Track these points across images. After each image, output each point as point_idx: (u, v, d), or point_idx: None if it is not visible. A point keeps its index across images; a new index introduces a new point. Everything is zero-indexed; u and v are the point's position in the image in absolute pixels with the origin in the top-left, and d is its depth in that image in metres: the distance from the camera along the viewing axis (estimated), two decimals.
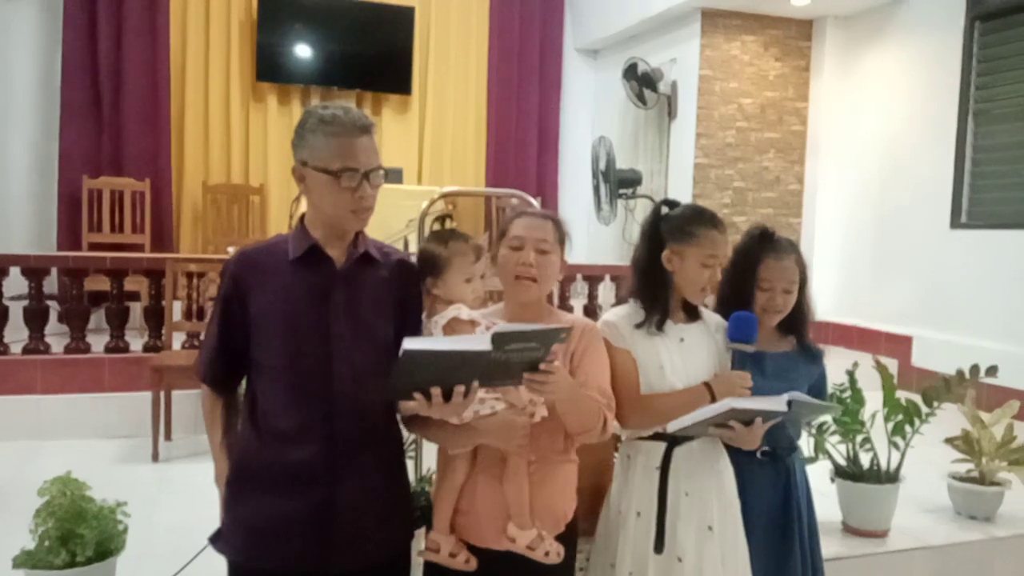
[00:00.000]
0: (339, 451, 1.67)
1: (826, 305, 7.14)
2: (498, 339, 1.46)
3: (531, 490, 1.77)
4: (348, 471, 1.68)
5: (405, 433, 1.87)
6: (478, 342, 1.48)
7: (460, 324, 1.75)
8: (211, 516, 1.82)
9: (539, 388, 1.60)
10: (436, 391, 1.53)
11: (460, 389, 1.54)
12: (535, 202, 2.81)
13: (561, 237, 1.90)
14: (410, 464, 2.55)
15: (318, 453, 1.66)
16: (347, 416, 1.68)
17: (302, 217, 1.75)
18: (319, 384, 1.66)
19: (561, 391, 1.65)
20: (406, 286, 1.79)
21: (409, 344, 1.45)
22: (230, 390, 1.82)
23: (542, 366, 1.57)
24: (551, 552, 1.76)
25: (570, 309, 5.89)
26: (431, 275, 1.81)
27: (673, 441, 2.02)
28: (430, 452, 2.51)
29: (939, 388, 3.15)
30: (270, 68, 7.33)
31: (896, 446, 3.19)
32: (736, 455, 2.10)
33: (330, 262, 1.70)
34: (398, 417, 1.80)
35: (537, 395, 1.67)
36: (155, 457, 4.20)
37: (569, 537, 1.86)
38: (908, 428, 3.16)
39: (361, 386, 1.67)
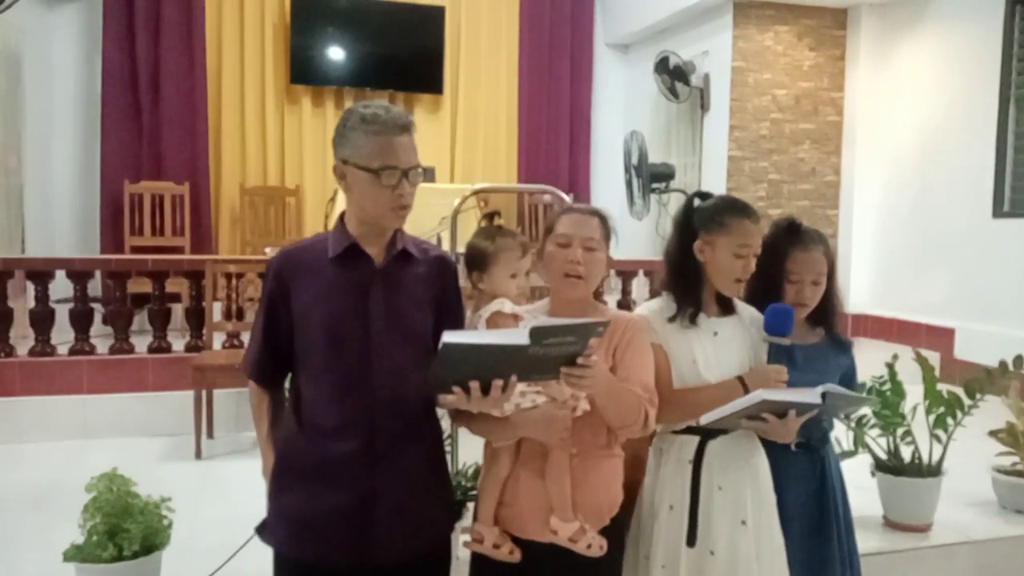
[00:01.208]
0: (380, 445, 1.70)
1: (865, 298, 7.05)
2: (536, 334, 1.47)
3: (573, 483, 1.78)
4: (389, 465, 1.71)
5: (444, 427, 1.90)
6: (516, 336, 1.49)
7: (503, 318, 1.77)
8: (253, 512, 1.86)
9: (576, 382, 1.60)
10: (474, 385, 1.55)
11: (498, 383, 1.55)
12: (567, 197, 2.82)
13: (607, 233, 1.90)
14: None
15: (359, 447, 1.69)
16: (387, 411, 1.70)
17: (342, 215, 1.78)
18: (360, 380, 1.69)
19: (599, 385, 1.65)
20: (444, 282, 1.81)
21: (448, 337, 1.47)
22: (276, 386, 1.86)
23: (579, 360, 1.57)
24: (593, 545, 1.77)
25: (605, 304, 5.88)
26: (477, 270, 1.83)
27: (706, 435, 2.01)
28: (466, 446, 2.55)
29: (982, 380, 3.09)
30: (304, 71, 7.42)
31: (938, 439, 3.14)
32: (770, 448, 2.08)
33: (369, 260, 1.73)
34: (438, 412, 1.82)
35: (575, 389, 1.67)
36: (198, 455, 4.28)
37: (615, 531, 1.87)
38: (950, 421, 3.11)
39: (400, 381, 1.69)
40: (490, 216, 1.95)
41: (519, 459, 1.82)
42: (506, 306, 1.79)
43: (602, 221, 1.89)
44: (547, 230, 1.89)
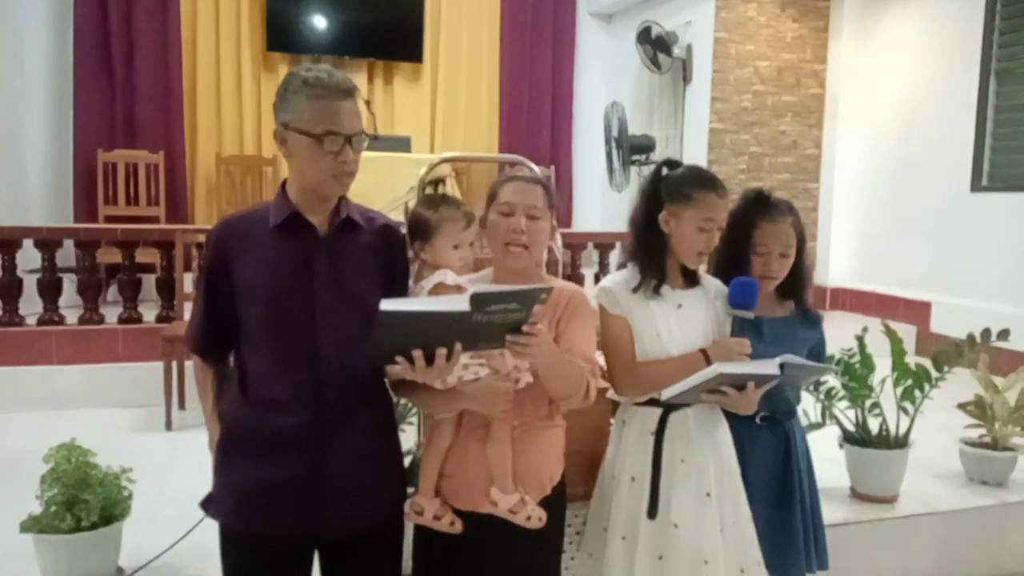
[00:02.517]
0: (328, 418, 1.67)
1: (844, 271, 7.07)
2: (477, 300, 1.44)
3: (514, 455, 1.77)
4: (338, 437, 1.68)
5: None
6: (456, 303, 1.46)
7: (445, 289, 1.74)
8: None
9: (522, 350, 1.58)
10: (418, 354, 1.52)
11: (442, 352, 1.52)
12: (535, 168, 2.77)
13: (550, 202, 1.86)
14: (411, 430, 2.57)
15: (307, 420, 1.66)
16: (335, 383, 1.67)
17: (284, 183, 1.73)
18: (305, 352, 1.66)
19: (543, 354, 1.63)
20: (391, 251, 1.78)
21: (386, 305, 1.43)
22: (220, 359, 1.82)
23: (524, 328, 1.55)
24: (533, 516, 1.76)
25: (580, 277, 5.87)
26: (420, 239, 1.79)
27: (669, 407, 2.00)
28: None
29: (950, 353, 3.10)
30: (280, 38, 7.29)
31: (905, 411, 3.15)
32: (734, 421, 2.08)
33: (312, 229, 1.69)
34: (386, 383, 1.80)
35: (520, 358, 1.65)
36: (168, 426, 4.26)
37: (556, 501, 1.86)
38: (917, 393, 3.12)
39: (348, 352, 1.66)
40: (435, 183, 1.90)
41: (460, 431, 1.80)
42: (448, 277, 1.76)
43: (545, 190, 1.86)
44: (490, 198, 1.85)
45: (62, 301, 4.92)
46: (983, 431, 3.46)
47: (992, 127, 5.81)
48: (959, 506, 3.21)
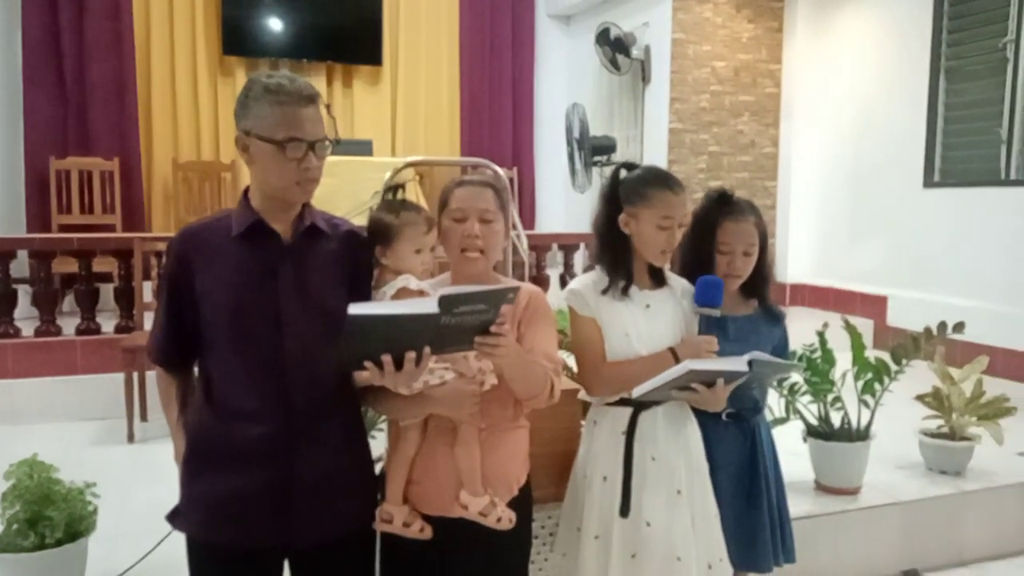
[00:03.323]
0: (295, 427, 1.66)
1: (803, 267, 7.19)
2: (445, 302, 1.44)
3: (482, 457, 1.78)
4: (306, 446, 1.67)
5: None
6: (425, 306, 1.46)
7: (408, 294, 1.74)
8: None
9: (490, 351, 1.58)
10: (387, 359, 1.52)
11: (411, 356, 1.52)
12: (500, 171, 2.79)
13: (503, 203, 1.87)
14: (382, 436, 2.55)
15: (274, 429, 1.64)
16: (301, 391, 1.66)
17: (246, 191, 1.71)
18: (271, 360, 1.64)
19: (510, 355, 1.64)
20: (356, 257, 1.77)
21: (355, 309, 1.42)
22: (184, 370, 1.79)
23: (492, 328, 1.55)
24: (503, 518, 1.77)
25: (546, 278, 5.90)
26: (381, 244, 1.78)
27: (639, 407, 2.02)
28: None
29: (907, 346, 3.17)
30: (237, 42, 7.21)
31: (866, 404, 3.22)
32: (701, 417, 2.11)
33: (276, 237, 1.67)
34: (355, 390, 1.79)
35: (488, 359, 1.65)
36: (130, 438, 4.18)
37: (523, 502, 1.87)
38: (878, 386, 3.18)
39: (314, 360, 1.65)
40: (394, 189, 1.90)
41: (428, 436, 1.80)
42: (411, 282, 1.76)
43: (496, 192, 1.86)
44: (441, 204, 1.85)
45: (16, 313, 4.81)
46: (941, 422, 3.55)
47: (943, 124, 5.96)
48: (920, 496, 3.29)
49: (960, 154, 5.88)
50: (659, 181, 2.03)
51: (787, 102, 7.21)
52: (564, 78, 8.56)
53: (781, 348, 2.27)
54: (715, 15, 6.99)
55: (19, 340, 4.67)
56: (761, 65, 7.16)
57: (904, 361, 3.14)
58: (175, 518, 1.74)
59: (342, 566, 1.77)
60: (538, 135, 8.50)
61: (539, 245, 5.91)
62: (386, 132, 7.79)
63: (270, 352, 1.64)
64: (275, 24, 7.32)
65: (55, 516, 2.37)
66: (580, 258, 6.20)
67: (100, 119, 6.76)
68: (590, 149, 7.01)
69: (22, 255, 4.98)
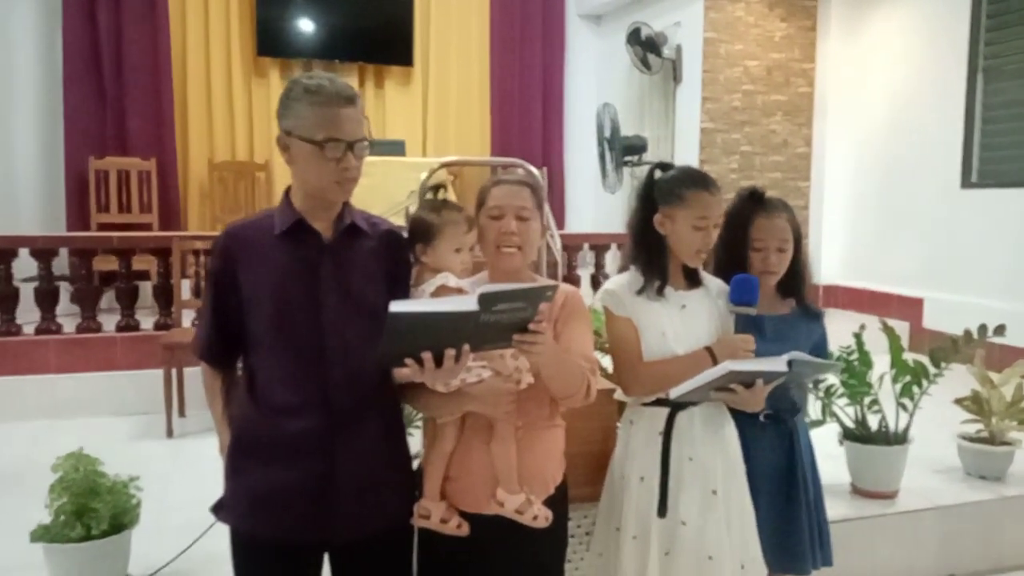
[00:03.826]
0: (336, 423, 1.68)
1: (836, 268, 7.12)
2: (484, 299, 1.45)
3: (519, 455, 1.79)
4: (345, 442, 1.69)
5: None
6: (465, 303, 1.47)
7: (447, 292, 1.75)
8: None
9: (529, 349, 1.60)
10: (427, 356, 1.53)
11: (451, 352, 1.54)
12: (535, 171, 2.80)
13: (539, 202, 1.89)
14: (419, 433, 2.58)
15: (315, 425, 1.67)
16: (342, 388, 1.68)
17: (287, 190, 1.74)
18: (312, 358, 1.67)
19: (548, 353, 1.65)
20: (395, 256, 1.79)
21: (395, 306, 1.44)
22: (228, 366, 1.83)
23: (531, 326, 1.56)
24: (539, 516, 1.78)
25: (577, 278, 5.90)
26: (422, 243, 1.81)
27: (676, 407, 2.02)
28: None
29: (947, 349, 3.13)
30: (271, 43, 7.30)
31: (904, 408, 3.18)
32: (739, 418, 2.10)
33: (317, 235, 1.70)
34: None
35: (526, 357, 1.67)
36: (169, 433, 4.26)
37: (559, 501, 1.88)
38: (916, 389, 3.15)
39: (355, 358, 1.67)
40: (436, 189, 1.92)
41: (465, 433, 1.81)
42: (451, 280, 1.77)
43: (533, 190, 1.88)
44: (478, 203, 1.87)
45: (58, 310, 4.91)
46: (980, 426, 3.50)
47: (981, 124, 5.87)
48: (958, 501, 3.24)
49: (999, 154, 5.78)
50: (695, 182, 2.03)
51: (820, 101, 7.15)
52: (594, 78, 8.55)
53: (820, 347, 2.26)
54: (747, 14, 6.95)
55: (61, 336, 4.77)
56: (794, 64, 7.10)
57: (943, 364, 3.10)
58: (219, 510, 1.78)
59: (380, 561, 1.79)
60: (568, 135, 8.50)
61: (570, 245, 5.91)
62: (417, 132, 7.84)
63: (311, 349, 1.67)
64: (308, 26, 7.40)
65: (100, 508, 2.43)
66: (611, 258, 6.19)
67: (138, 120, 6.89)
68: (621, 149, 7.00)
69: (61, 252, 5.08)
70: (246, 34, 7.26)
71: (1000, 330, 3.12)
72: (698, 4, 6.88)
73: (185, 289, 4.82)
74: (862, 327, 3.20)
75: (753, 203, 2.21)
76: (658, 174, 2.09)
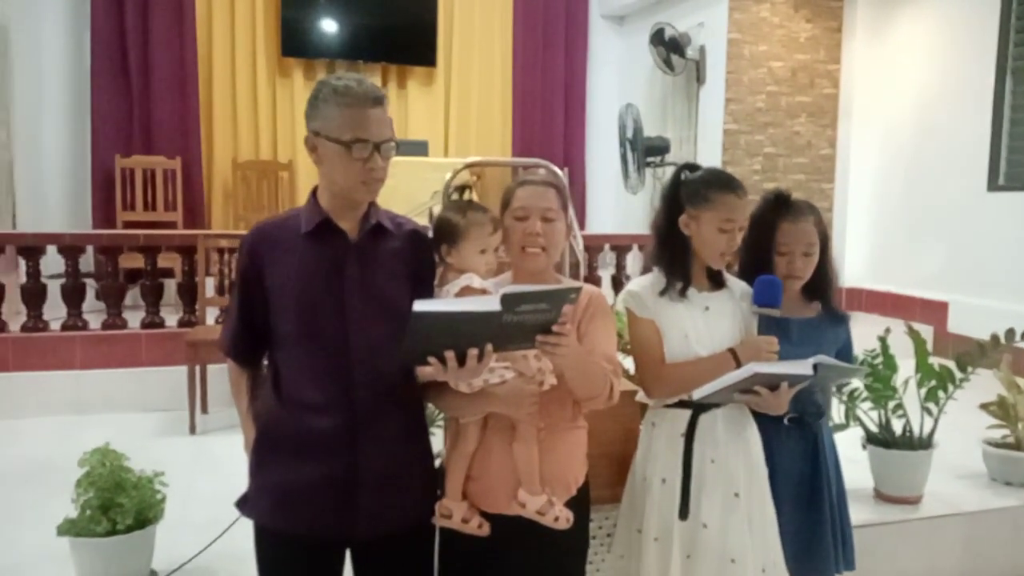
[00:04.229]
0: (360, 421, 1.69)
1: (860, 271, 7.05)
2: (508, 300, 1.46)
3: (541, 456, 1.79)
4: (369, 440, 1.70)
5: None
6: (488, 303, 1.48)
7: (472, 292, 1.76)
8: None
9: (552, 350, 1.60)
10: (450, 355, 1.54)
11: (473, 352, 1.55)
12: (559, 171, 2.80)
13: (564, 203, 1.89)
14: (441, 432, 2.59)
15: (339, 423, 1.69)
16: (366, 386, 1.70)
17: (314, 190, 1.76)
18: (337, 356, 1.69)
19: (571, 355, 1.65)
20: (420, 256, 1.80)
21: (419, 306, 1.45)
22: (254, 363, 1.85)
23: (554, 328, 1.57)
24: (560, 518, 1.78)
25: (598, 279, 5.89)
26: (447, 243, 1.81)
27: (698, 408, 2.02)
28: None
29: (973, 353, 3.10)
30: (295, 43, 7.34)
31: (929, 412, 3.15)
32: (763, 421, 2.09)
33: (343, 235, 1.72)
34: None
35: (549, 357, 1.67)
36: (192, 430, 4.30)
37: (581, 502, 1.88)
38: (941, 394, 3.12)
39: (379, 356, 1.68)
40: (462, 189, 1.93)
41: (486, 434, 1.82)
42: (475, 281, 1.78)
43: (558, 191, 1.88)
44: (504, 204, 1.88)
45: (84, 306, 4.97)
46: (1006, 432, 3.46)
47: (1008, 126, 5.80)
48: (983, 507, 3.21)
49: None
50: (722, 184, 2.02)
51: (845, 103, 7.09)
52: (617, 78, 8.52)
53: (846, 351, 2.24)
54: (772, 15, 6.90)
55: (87, 332, 4.83)
56: (819, 65, 7.04)
57: (969, 368, 3.07)
58: (243, 505, 1.80)
59: (402, 559, 1.80)
60: (590, 135, 8.49)
61: (591, 246, 5.90)
62: (439, 132, 7.86)
63: (336, 347, 1.69)
64: (332, 26, 7.44)
65: (126, 503, 2.46)
66: (632, 259, 6.18)
67: (163, 119, 6.96)
68: (643, 150, 6.98)
69: (89, 250, 5.14)
70: (271, 35, 7.32)
71: None
72: (722, 5, 6.84)
73: (209, 287, 4.86)
74: (887, 331, 3.17)
75: (779, 207, 2.20)
76: (685, 175, 2.08)
